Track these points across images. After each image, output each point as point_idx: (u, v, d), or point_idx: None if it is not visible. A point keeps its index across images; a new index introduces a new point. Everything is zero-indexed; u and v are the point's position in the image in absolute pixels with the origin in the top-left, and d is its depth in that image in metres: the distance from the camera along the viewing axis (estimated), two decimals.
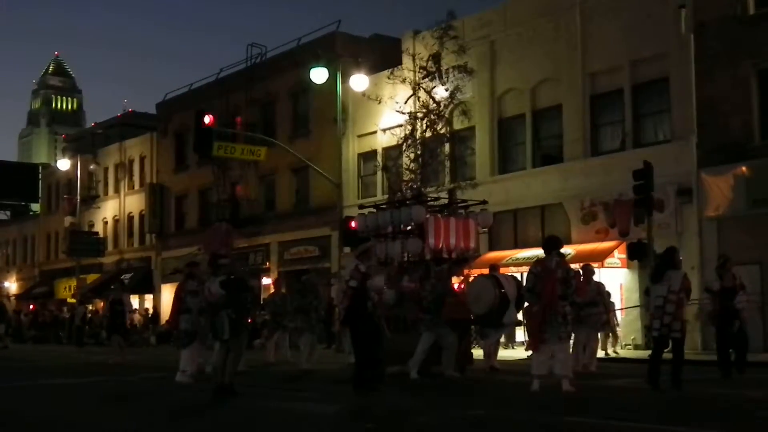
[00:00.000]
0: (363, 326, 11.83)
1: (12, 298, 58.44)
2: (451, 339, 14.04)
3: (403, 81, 23.88)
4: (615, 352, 19.83)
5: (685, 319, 11.76)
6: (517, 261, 23.71)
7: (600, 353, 17.20)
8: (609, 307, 16.65)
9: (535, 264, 11.95)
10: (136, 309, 41.15)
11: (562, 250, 14.16)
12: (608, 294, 17.36)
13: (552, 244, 11.77)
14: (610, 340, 19.92)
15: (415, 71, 24.26)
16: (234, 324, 11.33)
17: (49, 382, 14.60)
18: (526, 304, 13.10)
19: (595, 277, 16.56)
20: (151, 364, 19.32)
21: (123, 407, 11.00)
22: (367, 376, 11.62)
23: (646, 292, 12.03)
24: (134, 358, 21.54)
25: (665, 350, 11.67)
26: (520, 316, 15.16)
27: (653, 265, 11.66)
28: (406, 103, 23.78)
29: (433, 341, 13.96)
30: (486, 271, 18.11)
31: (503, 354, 17.11)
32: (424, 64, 23.56)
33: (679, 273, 11.60)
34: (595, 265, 21.21)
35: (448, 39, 23.47)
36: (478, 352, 17.01)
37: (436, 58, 23.54)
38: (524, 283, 13.65)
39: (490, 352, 15.77)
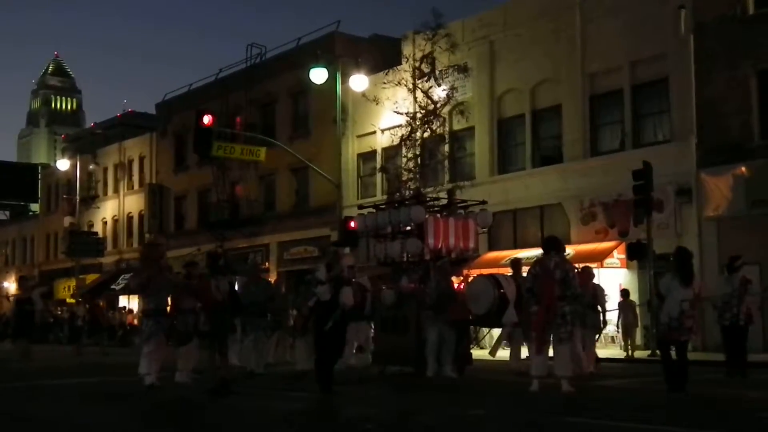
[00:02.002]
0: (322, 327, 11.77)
1: (11, 299, 58.41)
2: (446, 338, 14.02)
3: (398, 84, 23.95)
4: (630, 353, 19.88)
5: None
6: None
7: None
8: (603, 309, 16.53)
9: (534, 264, 11.93)
10: (132, 310, 41.26)
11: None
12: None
13: (551, 245, 11.75)
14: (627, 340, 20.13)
15: (414, 73, 24.31)
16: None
17: (48, 383, 14.59)
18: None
19: (594, 279, 16.51)
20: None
21: (121, 407, 10.98)
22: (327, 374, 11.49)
23: (658, 295, 11.94)
24: (135, 359, 21.51)
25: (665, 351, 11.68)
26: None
27: (679, 268, 11.50)
28: (397, 103, 23.87)
29: (438, 336, 13.94)
30: (486, 271, 18.11)
31: (501, 354, 17.07)
32: (418, 65, 23.62)
33: (696, 276, 11.63)
34: (594, 265, 21.25)
35: (440, 38, 23.50)
36: (477, 353, 17.01)
37: (429, 58, 23.59)
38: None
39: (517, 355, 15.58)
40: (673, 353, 11.61)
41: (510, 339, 15.59)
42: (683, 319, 11.27)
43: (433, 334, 13.92)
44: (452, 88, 23.44)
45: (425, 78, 23.40)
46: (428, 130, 23.08)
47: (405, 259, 15.77)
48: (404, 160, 23.67)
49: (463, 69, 23.87)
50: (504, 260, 24.07)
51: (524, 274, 14.93)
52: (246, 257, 36.30)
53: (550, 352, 11.54)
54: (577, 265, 16.09)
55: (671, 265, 12.04)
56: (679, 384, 11.26)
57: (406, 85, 23.75)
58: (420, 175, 22.90)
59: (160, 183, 43.74)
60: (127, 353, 25.65)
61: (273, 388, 12.97)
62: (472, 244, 15.97)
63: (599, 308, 15.34)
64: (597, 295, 15.20)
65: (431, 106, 23.15)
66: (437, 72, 23.61)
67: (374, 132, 30.47)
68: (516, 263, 15.55)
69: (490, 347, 20.96)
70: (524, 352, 15.65)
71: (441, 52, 23.58)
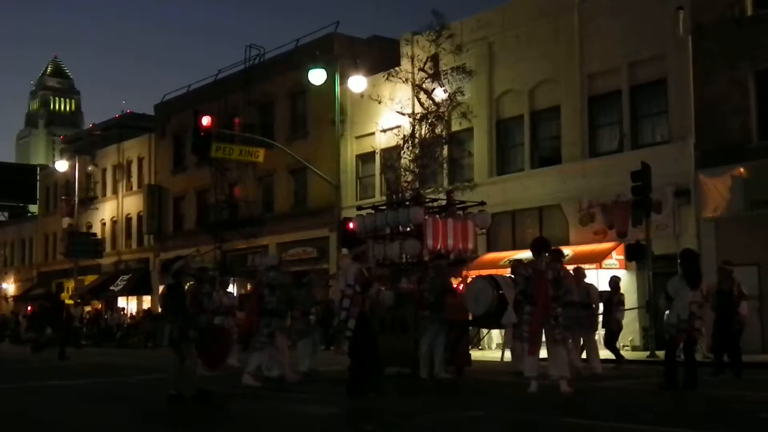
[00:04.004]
0: (363, 332, 11.63)
1: (10, 300, 58.43)
2: (441, 338, 13.99)
3: (406, 81, 23.96)
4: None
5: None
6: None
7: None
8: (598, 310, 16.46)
9: (525, 266, 11.94)
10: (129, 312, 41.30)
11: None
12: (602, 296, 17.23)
13: (541, 246, 11.75)
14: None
15: (413, 72, 24.31)
16: (177, 332, 10.89)
17: (48, 384, 14.58)
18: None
19: (593, 280, 16.52)
20: (149, 365, 19.30)
21: (119, 409, 10.97)
22: (362, 382, 11.29)
23: (666, 296, 11.97)
24: (133, 360, 21.55)
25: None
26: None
27: (686, 270, 11.56)
28: (401, 103, 23.89)
29: (440, 335, 13.90)
30: (484, 272, 18.08)
31: (494, 355, 17.09)
32: (422, 66, 23.61)
33: (704, 277, 11.64)
34: (592, 266, 21.27)
35: (444, 40, 23.52)
36: (476, 354, 17.01)
37: (433, 59, 23.59)
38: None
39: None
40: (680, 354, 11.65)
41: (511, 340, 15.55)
42: (693, 320, 11.33)
43: (429, 335, 13.90)
44: (458, 91, 23.42)
45: (429, 79, 23.41)
46: (432, 132, 23.11)
47: (404, 260, 15.78)
48: (405, 161, 23.68)
49: (465, 70, 23.88)
50: (503, 261, 24.10)
51: (508, 276, 14.93)
52: (244, 258, 36.35)
53: (542, 354, 11.57)
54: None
55: (679, 267, 12.06)
56: (692, 382, 11.29)
57: (413, 84, 23.77)
58: (419, 176, 22.91)
59: (158, 184, 43.75)
60: (124, 354, 25.66)
61: (272, 389, 12.96)
62: (470, 245, 15.99)
63: (593, 307, 15.34)
64: (590, 294, 15.22)
65: (433, 108, 23.18)
66: (441, 74, 23.64)
67: (373, 133, 30.45)
68: (518, 265, 15.45)
69: (487, 347, 21.03)
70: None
71: (445, 54, 23.58)
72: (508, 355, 17.16)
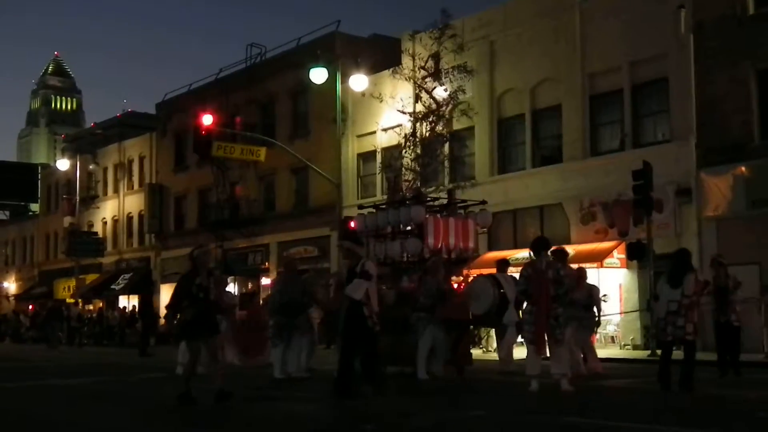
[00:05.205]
0: (351, 329, 11.39)
1: (11, 299, 58.46)
2: (439, 338, 13.95)
3: (408, 79, 23.92)
4: None
5: (696, 320, 11.70)
6: (517, 261, 23.65)
7: None
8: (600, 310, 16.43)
9: (525, 266, 11.93)
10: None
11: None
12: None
13: (541, 245, 11.74)
14: None
15: (414, 71, 24.30)
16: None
17: (49, 383, 14.58)
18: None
19: (593, 279, 16.51)
20: (150, 364, 19.32)
21: (120, 408, 10.97)
22: (348, 380, 11.16)
23: (655, 298, 11.99)
24: (134, 359, 21.55)
25: (674, 352, 11.68)
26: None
27: (669, 269, 11.62)
28: (402, 101, 23.88)
29: (432, 338, 13.84)
30: (485, 271, 18.07)
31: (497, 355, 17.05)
32: (424, 65, 23.58)
33: (691, 276, 11.58)
34: (594, 265, 21.27)
35: (447, 38, 23.52)
36: (477, 353, 17.00)
37: (435, 58, 23.56)
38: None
39: (507, 356, 15.47)
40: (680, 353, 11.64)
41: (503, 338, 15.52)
42: (669, 318, 11.33)
43: (427, 337, 13.85)
44: (459, 90, 23.39)
45: (431, 78, 23.37)
46: (433, 130, 23.10)
47: (405, 259, 15.76)
48: (407, 160, 23.67)
49: (466, 69, 23.86)
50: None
51: (509, 275, 14.91)
52: (246, 257, 36.35)
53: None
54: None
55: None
56: (685, 381, 11.26)
57: (415, 82, 23.72)
58: (421, 175, 22.91)
59: (159, 183, 43.76)
60: (125, 353, 25.64)
61: (273, 388, 12.96)
62: (471, 244, 15.97)
63: (594, 309, 15.35)
64: (592, 295, 15.23)
65: (434, 106, 23.16)
66: (442, 72, 23.61)
67: (374, 132, 30.46)
68: (502, 264, 15.40)
69: (486, 347, 21.01)
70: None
71: (447, 53, 23.55)
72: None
